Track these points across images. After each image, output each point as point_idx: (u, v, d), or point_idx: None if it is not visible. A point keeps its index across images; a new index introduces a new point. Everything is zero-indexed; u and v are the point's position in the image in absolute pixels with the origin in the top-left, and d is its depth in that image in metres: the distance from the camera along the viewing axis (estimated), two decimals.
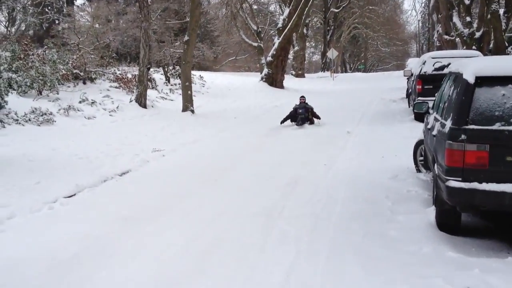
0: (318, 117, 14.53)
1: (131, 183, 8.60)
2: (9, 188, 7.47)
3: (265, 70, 26.76)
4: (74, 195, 7.68)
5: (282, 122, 14.63)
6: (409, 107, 16.73)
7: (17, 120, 11.80)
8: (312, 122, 14.52)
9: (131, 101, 16.54)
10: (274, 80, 26.38)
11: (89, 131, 12.78)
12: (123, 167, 9.46)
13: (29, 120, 12.12)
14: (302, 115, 14.42)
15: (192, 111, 16.91)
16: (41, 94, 14.42)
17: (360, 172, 8.65)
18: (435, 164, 5.74)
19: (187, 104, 16.96)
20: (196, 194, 7.68)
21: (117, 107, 15.55)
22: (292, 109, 14.77)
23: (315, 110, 14.74)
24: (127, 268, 5.01)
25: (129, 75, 19.69)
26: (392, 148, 10.33)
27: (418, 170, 8.10)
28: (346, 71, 55.09)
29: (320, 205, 6.91)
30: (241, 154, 10.77)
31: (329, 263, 4.94)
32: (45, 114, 12.64)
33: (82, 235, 5.90)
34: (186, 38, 17.49)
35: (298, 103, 14.96)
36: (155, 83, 20.83)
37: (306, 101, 14.80)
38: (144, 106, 16.62)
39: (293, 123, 14.54)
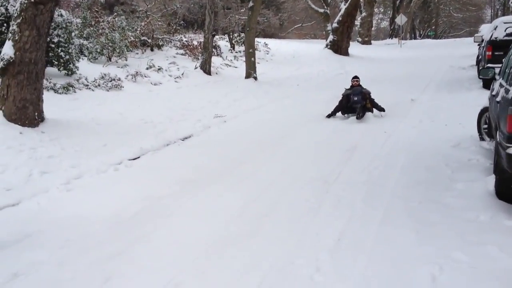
0: (381, 108, 10.83)
1: (192, 147, 8.84)
2: (78, 150, 7.87)
3: (330, 37, 26.29)
4: (138, 157, 8.00)
5: (330, 115, 10.91)
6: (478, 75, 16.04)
7: (87, 85, 12.31)
8: (370, 111, 10.82)
9: (196, 68, 16.82)
10: (339, 47, 25.89)
11: (154, 96, 13.15)
12: (186, 132, 9.73)
13: (99, 85, 12.61)
14: (358, 103, 10.68)
15: (255, 78, 16.98)
16: (110, 60, 14.93)
17: (421, 140, 8.47)
18: (497, 132, 5.54)
19: (250, 71, 17.03)
20: (255, 159, 7.80)
21: (182, 74, 15.87)
22: (342, 97, 11.04)
23: (373, 97, 11.03)
24: (186, 227, 5.21)
25: (195, 42, 19.96)
26: (457, 116, 10.00)
27: (482, 139, 7.83)
28: (415, 38, 53.12)
29: (377, 172, 6.86)
30: (302, 121, 10.77)
31: (382, 228, 4.93)
32: (114, 80, 13.11)
33: (144, 195, 6.16)
34: (250, 4, 17.45)
35: (348, 87, 11.34)
36: (220, 50, 21.00)
37: (360, 84, 11.24)
38: (209, 72, 16.85)
39: (346, 115, 10.86)
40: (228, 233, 5.01)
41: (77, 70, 12.51)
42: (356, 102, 10.70)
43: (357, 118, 10.32)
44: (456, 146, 7.77)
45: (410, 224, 4.99)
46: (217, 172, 7.14)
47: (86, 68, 13.25)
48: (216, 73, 17.39)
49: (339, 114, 10.91)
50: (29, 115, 8.32)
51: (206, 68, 16.83)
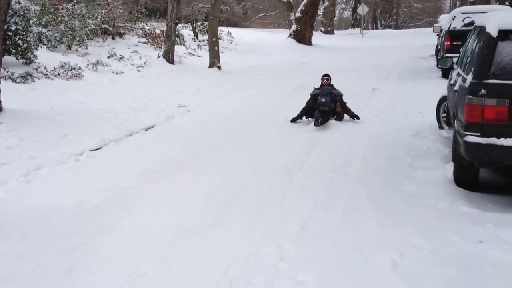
0: (354, 115, 9.35)
1: (155, 137, 8.75)
2: (37, 140, 7.69)
3: (294, 27, 26.36)
4: (100, 148, 7.86)
5: (295, 120, 9.44)
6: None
7: (46, 74, 12.02)
8: (339, 118, 9.40)
9: (158, 56, 16.62)
10: (302, 36, 26.00)
11: (116, 86, 12.95)
12: (149, 122, 9.61)
13: (58, 74, 12.33)
14: (326, 106, 9.22)
15: (219, 67, 16.90)
16: (70, 49, 14.60)
17: (383, 129, 8.62)
18: (456, 120, 5.69)
19: (214, 60, 16.94)
20: (219, 149, 7.78)
21: (144, 63, 15.67)
22: (310, 96, 9.68)
23: (345, 100, 9.57)
24: (149, 218, 5.16)
25: (157, 31, 19.72)
26: (417, 105, 10.23)
27: (441, 127, 8.02)
28: (376, 28, 53.83)
29: (340, 161, 6.95)
30: (266, 111, 10.79)
31: (345, 216, 5.01)
32: (74, 69, 12.83)
33: (106, 186, 6.07)
34: None
35: (317, 86, 9.93)
36: (183, 39, 20.80)
37: (331, 83, 9.88)
38: (172, 62, 16.68)
39: (309, 119, 9.37)
40: (192, 222, 4.99)
41: (36, 59, 12.19)
42: (323, 104, 9.21)
43: (315, 124, 8.63)
44: (416, 135, 7.95)
45: (372, 212, 5.08)
46: (181, 162, 7.10)
47: (45, 56, 12.92)
48: (179, 62, 17.23)
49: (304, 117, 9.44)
50: None
51: (169, 57, 16.65)
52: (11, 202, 5.55)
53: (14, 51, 11.61)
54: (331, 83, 9.86)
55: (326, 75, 10.06)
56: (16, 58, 11.79)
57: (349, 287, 3.60)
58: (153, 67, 15.60)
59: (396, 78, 14.94)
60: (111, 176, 6.45)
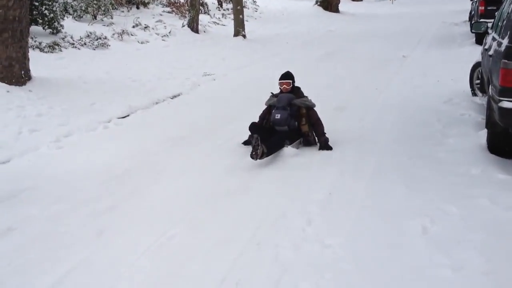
0: (322, 138, 6.07)
1: (181, 105, 8.77)
2: (66, 108, 7.78)
3: None
4: (128, 116, 7.93)
5: (246, 143, 6.28)
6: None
7: (73, 44, 12.07)
8: (308, 142, 6.21)
9: (183, 26, 16.52)
10: (329, 4, 25.48)
11: (142, 55, 12.94)
12: (174, 90, 9.63)
13: (85, 44, 12.36)
14: (282, 125, 6.11)
15: (244, 36, 16.74)
16: (95, 18, 14.60)
17: (413, 96, 8.47)
18: (490, 85, 5.53)
19: (239, 29, 16.77)
20: (244, 116, 7.74)
21: (169, 32, 15.59)
22: (265, 107, 6.52)
23: (317, 110, 6.25)
24: (178, 183, 5.21)
25: (182, 0, 19.56)
26: (449, 72, 9.98)
27: (474, 94, 7.84)
28: None
29: (368, 128, 6.87)
30: None
31: (373, 183, 4.96)
32: (100, 38, 12.85)
33: (134, 152, 6.14)
34: None
35: (276, 92, 6.57)
36: (207, 8, 20.61)
37: (294, 86, 6.37)
38: (196, 31, 16.57)
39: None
40: (219, 188, 5.01)
41: (62, 28, 12.22)
42: (277, 123, 6.05)
43: (251, 156, 5.38)
44: (448, 102, 7.78)
45: (401, 179, 5.02)
46: (208, 129, 7.11)
47: (71, 26, 12.94)
48: (204, 31, 17.11)
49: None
50: (15, 73, 8.18)
51: (193, 26, 16.53)
52: (43, 167, 5.65)
53: (40, 21, 11.65)
54: (296, 85, 6.39)
55: (287, 75, 6.33)
56: (43, 28, 11.84)
57: (377, 252, 3.57)
58: (177, 37, 15.52)
59: (427, 45, 14.59)
60: (139, 143, 6.51)
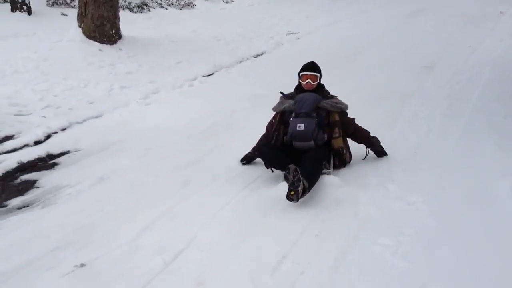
0: (379, 151, 4.52)
1: (265, 64, 8.80)
2: (154, 67, 8.04)
3: None
4: (212, 74, 8.08)
5: (244, 160, 4.59)
6: None
7: (160, 4, 12.38)
8: (342, 162, 4.32)
9: None
10: None
11: (227, 14, 13.04)
12: (258, 49, 9.67)
13: (172, 4, 12.64)
14: (307, 139, 4.14)
15: None
16: None
17: (509, 54, 7.97)
18: None
19: None
20: (328, 75, 7.63)
21: None
22: (275, 113, 4.53)
23: (352, 117, 4.49)
24: (256, 140, 5.26)
25: None
26: None
27: None
28: None
29: (459, 86, 6.59)
30: (377, 37, 10.38)
31: (462, 142, 4.77)
32: None
33: (218, 109, 6.26)
34: None
35: (291, 90, 4.63)
36: None
37: (320, 81, 4.47)
38: None
39: (271, 169, 4.21)
40: None
41: None
42: (301, 137, 4.15)
43: (289, 197, 3.55)
44: None
45: (492, 138, 4.79)
46: (291, 88, 7.08)
47: None
48: None
49: (259, 160, 4.51)
50: (106, 32, 8.52)
51: None
52: (133, 122, 5.91)
53: None
54: (321, 82, 4.52)
55: (311, 66, 4.50)
56: None
57: (463, 210, 3.45)
58: None
59: None
60: (223, 100, 6.63)
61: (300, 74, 4.47)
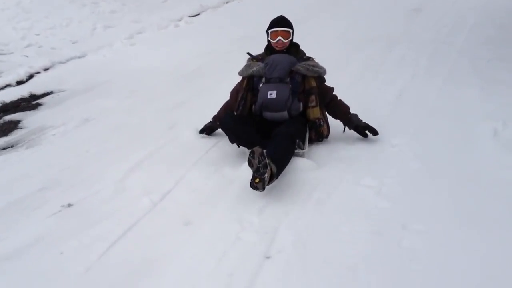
0: (364, 128, 3.71)
1: (251, 5, 8.65)
2: (138, 5, 7.89)
3: None
4: (198, 14, 7.94)
5: (205, 132, 3.97)
6: None
7: None
8: (319, 135, 3.68)
9: None
10: None
11: None
12: None
13: None
14: (279, 109, 3.52)
15: None
16: None
17: None
18: None
19: None
20: (317, 17, 7.57)
21: None
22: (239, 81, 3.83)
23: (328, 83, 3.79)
24: None
25: None
26: None
27: None
28: None
29: (446, 30, 6.56)
30: None
31: (446, 85, 4.80)
32: None
33: (205, 51, 6.21)
34: None
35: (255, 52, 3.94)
36: None
37: (291, 40, 3.72)
38: None
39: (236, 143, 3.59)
40: None
41: None
42: (272, 106, 3.54)
43: (252, 185, 2.91)
44: None
45: (476, 81, 4.83)
46: None
47: None
48: None
49: (219, 132, 4.00)
50: None
51: None
52: (117, 62, 5.85)
53: None
54: (294, 41, 3.80)
55: (281, 20, 3.74)
56: None
57: (445, 152, 3.50)
58: None
59: None
60: (209, 42, 6.56)
61: (269, 31, 3.71)
